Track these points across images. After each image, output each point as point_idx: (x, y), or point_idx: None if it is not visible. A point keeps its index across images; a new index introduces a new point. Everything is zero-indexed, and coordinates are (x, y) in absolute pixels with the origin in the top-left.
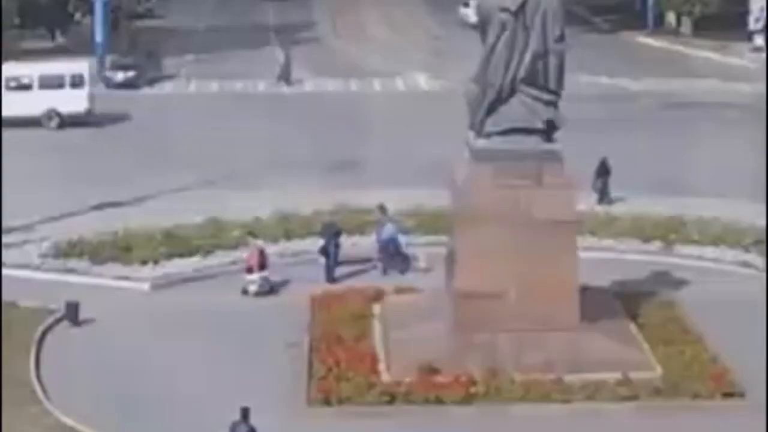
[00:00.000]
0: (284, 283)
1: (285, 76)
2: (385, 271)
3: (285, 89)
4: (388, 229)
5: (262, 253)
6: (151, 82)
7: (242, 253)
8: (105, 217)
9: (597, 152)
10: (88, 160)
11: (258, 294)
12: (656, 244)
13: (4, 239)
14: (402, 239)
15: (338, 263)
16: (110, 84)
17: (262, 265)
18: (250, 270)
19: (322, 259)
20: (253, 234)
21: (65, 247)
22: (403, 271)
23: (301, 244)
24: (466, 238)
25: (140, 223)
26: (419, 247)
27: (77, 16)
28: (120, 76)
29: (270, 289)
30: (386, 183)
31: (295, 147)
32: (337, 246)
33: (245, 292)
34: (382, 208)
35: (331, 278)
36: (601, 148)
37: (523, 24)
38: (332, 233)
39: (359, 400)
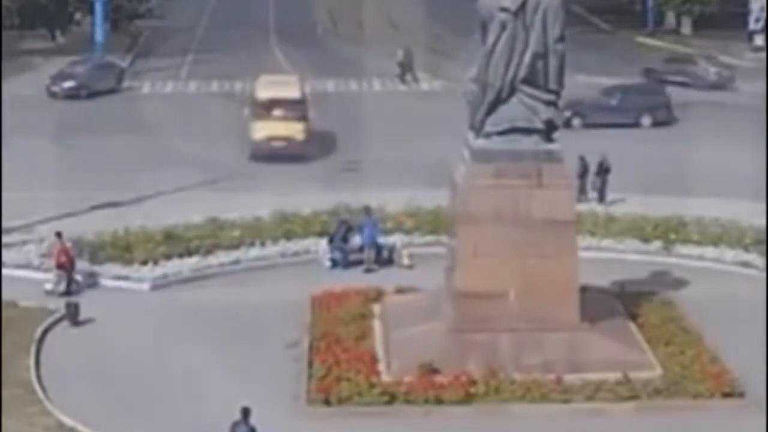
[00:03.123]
0: (92, 284)
1: (403, 75)
2: (370, 269)
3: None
4: (378, 229)
5: (65, 252)
6: (99, 94)
7: (242, 253)
8: (105, 217)
9: (596, 152)
10: (88, 159)
11: (53, 293)
12: (656, 244)
13: (4, 239)
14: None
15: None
16: (51, 94)
17: (62, 265)
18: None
19: (328, 254)
20: (59, 234)
21: None
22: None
23: (301, 244)
24: (466, 238)
25: (140, 223)
26: (418, 247)
27: (77, 16)
28: (57, 86)
29: (68, 288)
30: (386, 183)
31: None
32: (345, 240)
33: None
34: (367, 210)
35: (345, 263)
36: (600, 148)
37: (523, 24)
38: (345, 229)
39: (359, 400)
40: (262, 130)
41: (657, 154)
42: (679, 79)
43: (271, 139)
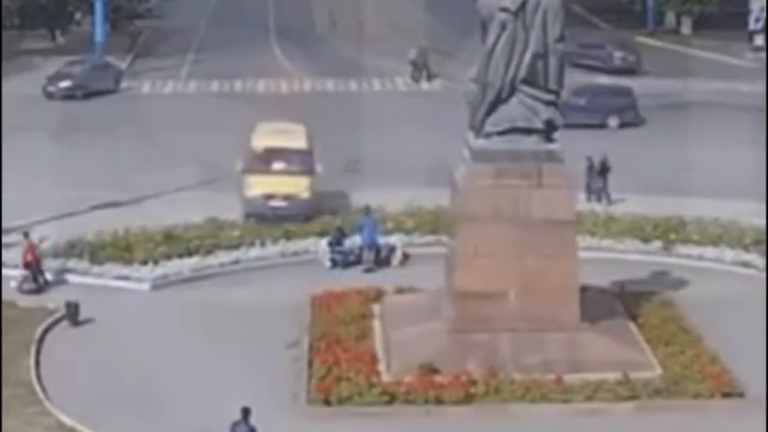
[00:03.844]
0: (58, 282)
1: (419, 74)
2: (370, 269)
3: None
4: (378, 229)
5: (32, 251)
6: (93, 94)
7: (242, 253)
8: (105, 217)
9: (597, 152)
10: (88, 159)
11: (22, 291)
12: (656, 244)
13: (4, 239)
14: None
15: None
16: (47, 94)
17: (29, 263)
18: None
19: (328, 254)
20: (26, 233)
21: (65, 247)
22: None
23: (301, 244)
24: (466, 238)
25: (140, 223)
26: (418, 247)
27: (77, 16)
28: (54, 87)
29: (35, 287)
30: (386, 183)
31: None
32: (339, 243)
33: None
34: (367, 210)
35: (345, 264)
36: (600, 148)
37: (523, 24)
38: (339, 235)
39: (359, 400)
40: (258, 185)
41: (646, 154)
42: (587, 62)
43: (268, 197)
